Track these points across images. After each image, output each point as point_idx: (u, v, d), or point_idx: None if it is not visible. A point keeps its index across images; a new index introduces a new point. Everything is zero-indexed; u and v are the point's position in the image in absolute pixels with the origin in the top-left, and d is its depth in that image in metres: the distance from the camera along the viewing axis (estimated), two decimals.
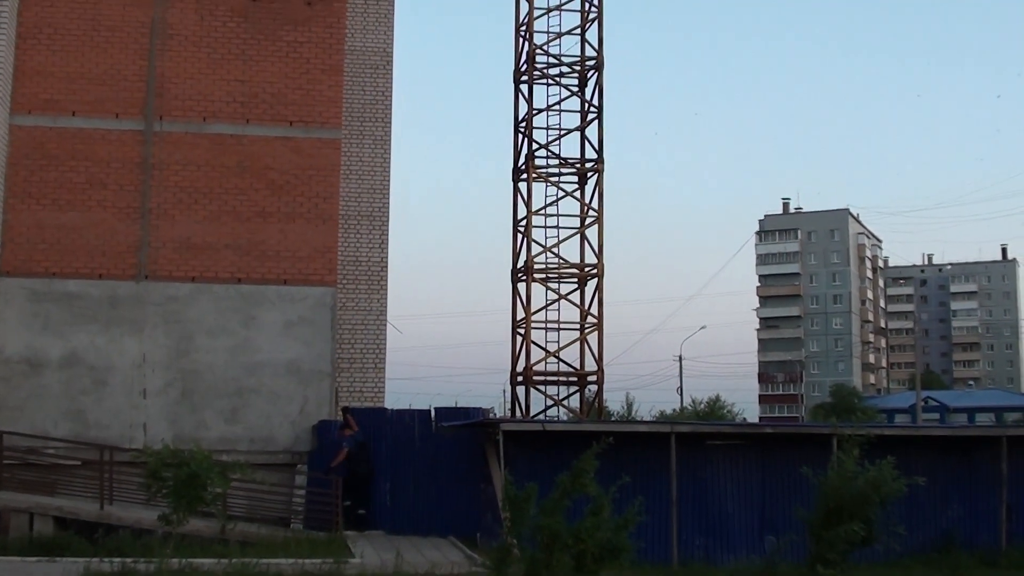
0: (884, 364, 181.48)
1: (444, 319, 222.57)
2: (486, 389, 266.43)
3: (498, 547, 10.40)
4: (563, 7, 36.57)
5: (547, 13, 36.51)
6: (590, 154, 35.84)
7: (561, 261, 35.74)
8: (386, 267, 31.03)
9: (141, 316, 26.52)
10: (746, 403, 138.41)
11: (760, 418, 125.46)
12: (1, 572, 19.55)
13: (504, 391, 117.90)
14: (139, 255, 26.67)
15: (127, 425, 26.15)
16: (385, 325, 31.42)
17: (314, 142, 27.59)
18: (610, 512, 10.02)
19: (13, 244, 26.41)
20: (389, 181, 31.05)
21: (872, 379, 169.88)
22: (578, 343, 35.40)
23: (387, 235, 31.10)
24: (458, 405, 32.73)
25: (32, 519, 23.65)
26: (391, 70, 31.62)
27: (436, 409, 28.01)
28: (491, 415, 32.22)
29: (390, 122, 31.16)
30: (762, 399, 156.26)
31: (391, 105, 31.55)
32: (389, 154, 31.19)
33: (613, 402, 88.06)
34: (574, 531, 9.90)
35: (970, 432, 31.79)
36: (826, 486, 19.84)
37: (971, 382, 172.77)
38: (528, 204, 34.99)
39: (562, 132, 36.06)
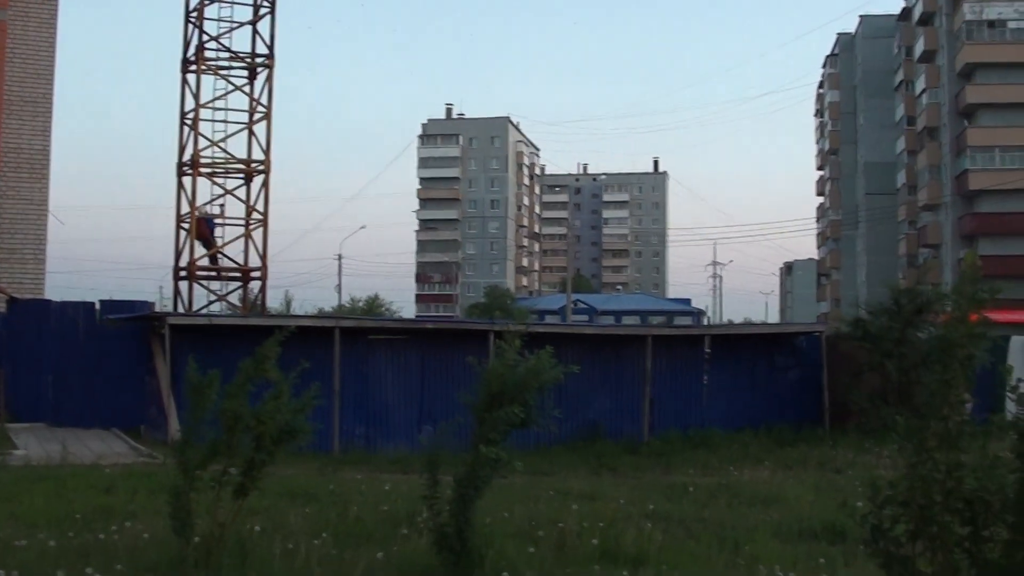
0: (537, 268, 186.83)
1: (108, 211, 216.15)
2: (142, 285, 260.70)
3: (184, 429, 10.76)
4: None
5: None
6: (261, 49, 35.75)
7: (228, 156, 35.59)
8: (48, 156, 30.23)
9: None
10: (404, 302, 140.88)
11: (417, 316, 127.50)
12: None
13: (160, 288, 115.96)
14: None
15: None
16: (47, 216, 30.71)
17: None
18: (289, 398, 10.51)
19: None
20: (54, 66, 30.11)
21: (525, 281, 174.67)
22: (243, 239, 35.48)
23: (51, 122, 30.24)
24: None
25: None
26: None
27: (101, 302, 27.78)
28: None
29: (56, 4, 30.15)
30: (419, 298, 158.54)
31: None
32: (55, 38, 30.20)
33: (272, 299, 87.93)
34: (255, 413, 10.36)
35: (619, 331, 33.66)
36: (489, 373, 20.88)
37: (619, 287, 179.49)
38: (196, 97, 34.60)
39: (234, 25, 35.76)
